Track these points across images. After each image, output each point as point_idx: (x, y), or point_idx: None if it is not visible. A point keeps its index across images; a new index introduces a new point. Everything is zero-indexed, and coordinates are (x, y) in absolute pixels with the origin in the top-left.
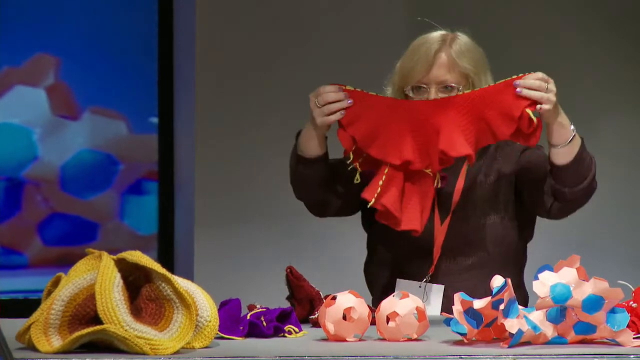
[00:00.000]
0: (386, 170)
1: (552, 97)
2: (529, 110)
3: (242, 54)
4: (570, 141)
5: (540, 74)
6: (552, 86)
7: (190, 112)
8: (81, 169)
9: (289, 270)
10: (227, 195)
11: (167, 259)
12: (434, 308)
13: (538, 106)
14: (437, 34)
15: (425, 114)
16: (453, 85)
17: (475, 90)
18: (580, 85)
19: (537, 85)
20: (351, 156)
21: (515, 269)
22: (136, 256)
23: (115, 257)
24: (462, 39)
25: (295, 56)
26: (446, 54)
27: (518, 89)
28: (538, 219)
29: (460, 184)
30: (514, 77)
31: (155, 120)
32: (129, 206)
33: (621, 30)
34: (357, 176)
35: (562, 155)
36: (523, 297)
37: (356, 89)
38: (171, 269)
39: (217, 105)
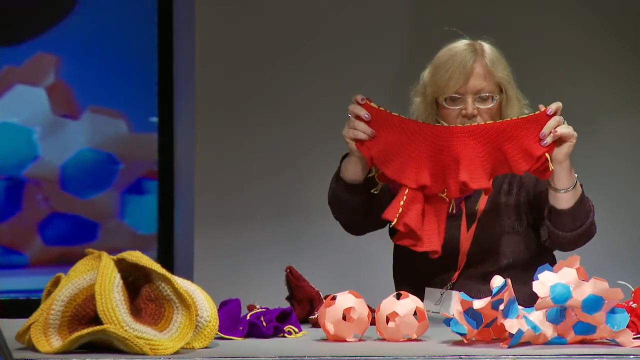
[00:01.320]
0: (406, 191)
1: (574, 132)
2: (548, 155)
3: (242, 54)
4: (573, 187)
5: (558, 118)
6: (567, 125)
7: (190, 111)
8: (81, 169)
9: (288, 271)
10: (227, 194)
11: (167, 258)
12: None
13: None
14: (464, 44)
15: (445, 140)
16: (489, 94)
17: (496, 122)
18: (580, 85)
19: (559, 122)
20: (374, 170)
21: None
22: (136, 256)
23: (115, 257)
24: (490, 48)
25: (295, 56)
26: (481, 64)
27: (544, 141)
28: None
29: (484, 197)
30: (537, 112)
31: (155, 119)
32: (129, 205)
33: (621, 31)
34: (378, 187)
35: (565, 199)
36: None
37: (380, 107)
38: (171, 269)
39: (217, 105)
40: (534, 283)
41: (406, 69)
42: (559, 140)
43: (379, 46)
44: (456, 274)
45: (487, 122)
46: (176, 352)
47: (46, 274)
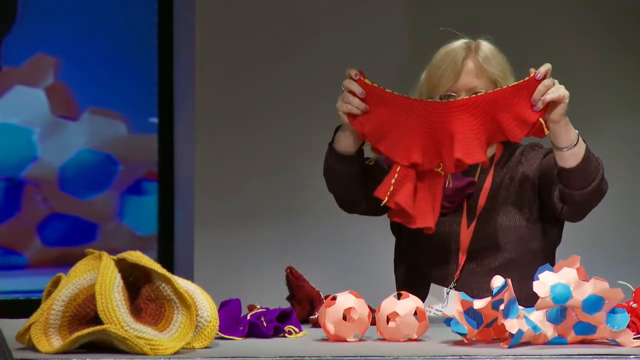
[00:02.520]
0: (398, 169)
1: (565, 91)
2: (542, 120)
3: (242, 54)
4: (576, 144)
5: (547, 81)
6: (559, 85)
7: (190, 111)
8: (81, 169)
9: (289, 271)
10: (227, 195)
11: (167, 259)
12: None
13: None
14: (460, 42)
15: (439, 116)
16: (482, 91)
17: (488, 93)
18: (581, 85)
19: (548, 86)
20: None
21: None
22: (136, 256)
23: (115, 257)
24: (486, 45)
25: (295, 56)
26: (473, 61)
27: (535, 107)
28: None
29: (486, 187)
30: (527, 78)
31: (154, 120)
32: (129, 206)
33: (621, 31)
34: (373, 159)
35: (570, 158)
36: None
37: (374, 83)
38: (171, 269)
39: (217, 105)
40: (534, 283)
41: (406, 69)
42: (552, 103)
43: (379, 46)
44: (458, 271)
45: (479, 94)
46: (176, 352)
47: (45, 275)
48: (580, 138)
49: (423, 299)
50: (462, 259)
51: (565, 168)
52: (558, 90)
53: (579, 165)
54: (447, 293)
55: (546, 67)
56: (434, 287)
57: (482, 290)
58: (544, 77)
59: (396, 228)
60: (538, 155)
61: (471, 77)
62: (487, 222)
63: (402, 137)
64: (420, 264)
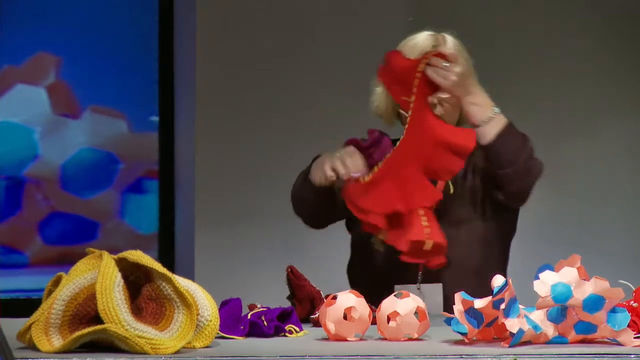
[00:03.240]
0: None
1: (452, 76)
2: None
3: (242, 54)
4: (490, 122)
5: (445, 61)
6: (455, 67)
7: (190, 110)
8: (81, 168)
9: (289, 270)
10: (228, 193)
11: (167, 257)
12: (437, 308)
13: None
14: (426, 34)
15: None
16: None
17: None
18: (580, 85)
19: (439, 66)
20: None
21: (498, 266)
22: (137, 255)
23: (115, 256)
24: (452, 40)
25: (295, 56)
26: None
27: (428, 71)
28: (535, 220)
29: (441, 184)
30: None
31: (155, 118)
32: (130, 205)
33: (621, 31)
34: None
35: (483, 134)
36: None
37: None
38: (172, 268)
39: (218, 104)
40: (535, 282)
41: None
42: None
43: (378, 46)
44: (421, 267)
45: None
46: (177, 352)
47: (46, 274)
48: (500, 116)
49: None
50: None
51: (481, 144)
52: (434, 74)
53: (497, 139)
54: (419, 289)
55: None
56: (399, 289)
57: (444, 283)
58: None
59: (350, 224)
60: None
61: None
62: (442, 218)
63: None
64: (377, 261)
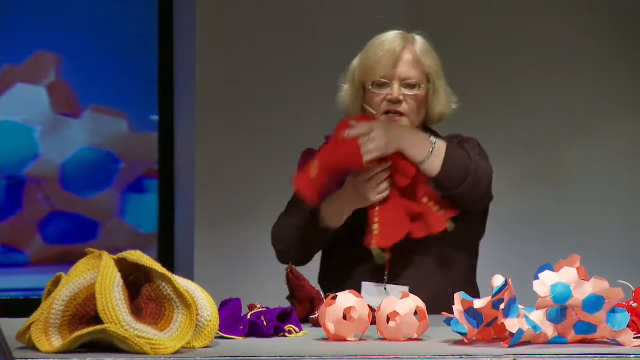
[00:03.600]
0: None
1: (370, 146)
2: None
3: (242, 53)
4: (431, 156)
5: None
6: (373, 134)
7: (190, 110)
8: (82, 167)
9: (289, 270)
10: (228, 193)
11: (167, 257)
12: None
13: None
14: (395, 33)
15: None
16: (415, 82)
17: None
18: (580, 85)
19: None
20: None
21: (467, 265)
22: (136, 256)
23: (115, 256)
24: (421, 39)
25: (295, 56)
26: (410, 52)
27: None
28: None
29: (407, 183)
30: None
31: (155, 118)
32: (130, 204)
33: (621, 30)
34: None
35: (429, 170)
36: (474, 294)
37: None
38: (171, 268)
39: (218, 103)
40: (534, 282)
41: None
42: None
43: None
44: (387, 266)
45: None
46: (177, 352)
47: (46, 273)
48: (438, 143)
49: None
50: (388, 253)
51: (433, 178)
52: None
53: (443, 169)
54: (385, 289)
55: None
56: (366, 286)
57: (411, 283)
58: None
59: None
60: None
61: (407, 67)
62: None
63: None
64: (346, 263)
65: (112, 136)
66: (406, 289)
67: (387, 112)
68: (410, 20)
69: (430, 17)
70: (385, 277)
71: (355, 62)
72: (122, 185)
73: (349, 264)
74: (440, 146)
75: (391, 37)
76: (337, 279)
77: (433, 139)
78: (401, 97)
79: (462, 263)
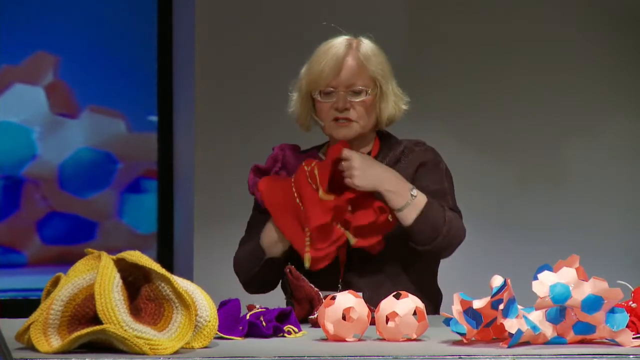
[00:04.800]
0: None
1: (354, 172)
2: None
3: (241, 53)
4: (408, 207)
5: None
6: (356, 164)
7: (189, 110)
8: (80, 168)
9: (288, 271)
10: (227, 193)
11: (166, 257)
12: None
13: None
14: (342, 39)
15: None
16: (361, 88)
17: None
18: (581, 85)
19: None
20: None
21: (425, 269)
22: (135, 256)
23: (114, 257)
24: (367, 43)
25: (295, 56)
26: (354, 58)
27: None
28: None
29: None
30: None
31: (154, 118)
32: (128, 205)
33: (622, 30)
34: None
35: (403, 218)
36: (435, 297)
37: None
38: (170, 268)
39: (217, 104)
40: (534, 283)
41: (405, 70)
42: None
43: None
44: (341, 272)
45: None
46: (176, 352)
47: (45, 273)
48: (418, 197)
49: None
50: (342, 259)
51: (405, 227)
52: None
53: (415, 222)
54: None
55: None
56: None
57: (365, 288)
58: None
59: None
60: (414, 161)
61: (351, 74)
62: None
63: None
64: (303, 271)
65: (110, 137)
66: (360, 294)
67: (335, 119)
68: (411, 20)
69: (430, 17)
70: (339, 286)
71: (303, 70)
72: (120, 186)
73: (303, 272)
74: (420, 200)
75: (336, 44)
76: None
77: (415, 191)
78: (348, 105)
79: (416, 269)
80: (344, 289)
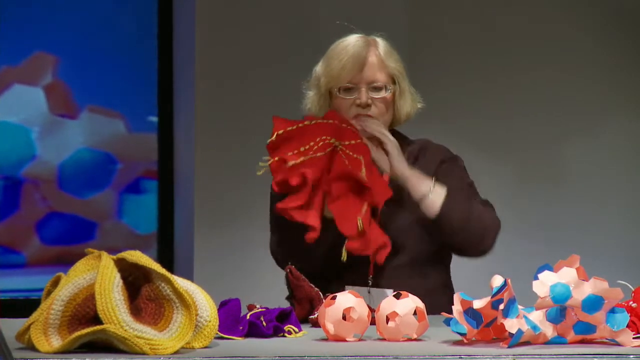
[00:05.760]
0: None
1: (392, 157)
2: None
3: (242, 53)
4: (432, 193)
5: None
6: (388, 148)
7: (189, 110)
8: (79, 168)
9: (288, 270)
10: (227, 194)
11: (166, 258)
12: None
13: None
14: (357, 37)
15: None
16: (382, 84)
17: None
18: (581, 85)
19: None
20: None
21: (442, 267)
22: (136, 256)
23: (114, 257)
24: (383, 41)
25: (295, 56)
26: (375, 55)
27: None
28: (534, 221)
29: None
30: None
31: (153, 119)
32: (127, 205)
33: (622, 30)
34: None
35: (430, 206)
36: (449, 296)
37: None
38: (171, 268)
39: (217, 104)
40: (534, 282)
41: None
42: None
43: None
44: (371, 269)
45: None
46: (176, 352)
47: (44, 274)
48: (439, 187)
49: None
50: (372, 258)
51: (433, 217)
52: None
53: (443, 207)
54: (369, 292)
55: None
56: (348, 289)
57: (393, 287)
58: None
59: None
60: (434, 158)
61: (373, 70)
62: (387, 221)
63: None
64: (333, 265)
65: (109, 137)
66: (390, 292)
67: (356, 116)
68: (411, 20)
69: (430, 17)
70: (370, 281)
71: (319, 68)
72: (119, 186)
73: (334, 267)
74: (441, 189)
75: (354, 41)
76: (322, 282)
77: (433, 182)
78: (369, 101)
79: (436, 265)
80: (373, 285)
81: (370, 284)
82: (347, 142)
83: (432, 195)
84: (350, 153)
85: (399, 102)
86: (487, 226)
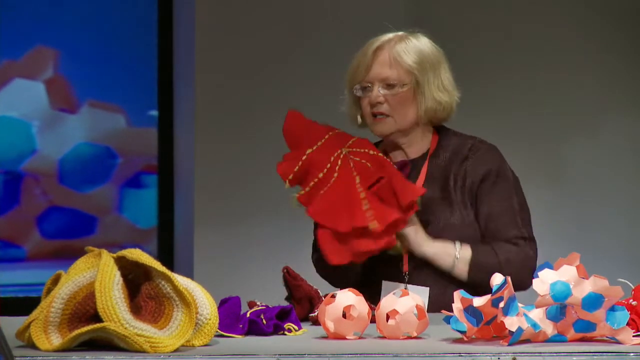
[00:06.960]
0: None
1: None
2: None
3: (242, 48)
4: (458, 263)
5: None
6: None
7: (190, 105)
8: (80, 162)
9: (285, 271)
10: (227, 189)
11: (166, 252)
12: None
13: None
14: (387, 35)
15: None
16: (394, 82)
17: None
18: (581, 84)
19: None
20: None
21: None
22: (136, 254)
23: (115, 255)
24: (414, 38)
25: (295, 53)
26: (387, 52)
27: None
28: (534, 219)
29: (421, 178)
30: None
31: (154, 113)
32: (128, 199)
33: (622, 30)
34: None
35: (459, 275)
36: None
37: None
38: (171, 263)
39: (217, 99)
40: (534, 280)
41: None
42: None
43: None
44: (406, 265)
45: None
46: (176, 350)
47: (44, 268)
48: (462, 249)
49: (372, 296)
50: (406, 254)
51: (466, 282)
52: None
53: (470, 275)
54: (406, 289)
55: None
56: (387, 285)
57: (432, 283)
58: None
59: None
60: (478, 168)
61: (384, 68)
62: (424, 220)
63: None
64: (370, 262)
65: (109, 131)
66: (427, 289)
67: (373, 115)
68: (411, 19)
69: (430, 17)
70: (406, 277)
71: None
72: (120, 181)
73: (370, 263)
74: (465, 253)
75: (374, 40)
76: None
77: (458, 244)
78: (381, 99)
79: None
80: (409, 282)
81: (406, 279)
82: (355, 149)
83: (458, 262)
84: (358, 159)
85: (418, 98)
86: (518, 271)
